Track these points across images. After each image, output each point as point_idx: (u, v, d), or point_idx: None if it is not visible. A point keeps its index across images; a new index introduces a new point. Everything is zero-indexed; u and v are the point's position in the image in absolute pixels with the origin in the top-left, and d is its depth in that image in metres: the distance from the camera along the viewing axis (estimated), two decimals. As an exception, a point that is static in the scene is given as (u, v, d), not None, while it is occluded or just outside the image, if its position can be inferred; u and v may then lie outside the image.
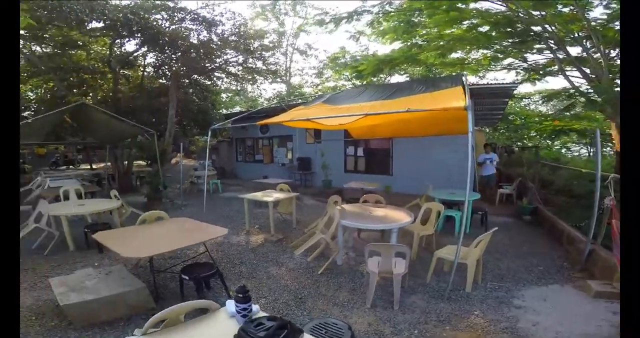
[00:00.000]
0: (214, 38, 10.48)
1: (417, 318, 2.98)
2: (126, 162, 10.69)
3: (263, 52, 11.86)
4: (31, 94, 12.07)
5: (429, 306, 3.21)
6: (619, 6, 5.34)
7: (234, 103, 25.55)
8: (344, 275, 3.92)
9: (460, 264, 3.45)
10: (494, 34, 6.57)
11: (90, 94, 11.31)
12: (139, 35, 9.00)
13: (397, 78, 18.01)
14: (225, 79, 13.84)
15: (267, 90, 24.16)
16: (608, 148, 9.66)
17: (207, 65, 11.00)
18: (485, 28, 6.59)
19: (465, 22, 6.69)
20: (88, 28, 9.27)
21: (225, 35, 10.60)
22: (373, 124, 5.52)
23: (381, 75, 15.87)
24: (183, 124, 13.46)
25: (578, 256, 4.08)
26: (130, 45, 11.31)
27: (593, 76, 6.07)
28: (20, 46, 9.76)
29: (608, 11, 5.56)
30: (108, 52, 10.68)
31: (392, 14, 7.54)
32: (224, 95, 22.14)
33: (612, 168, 6.17)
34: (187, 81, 11.80)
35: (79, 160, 19.74)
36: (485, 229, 4.28)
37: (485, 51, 7.68)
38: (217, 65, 11.60)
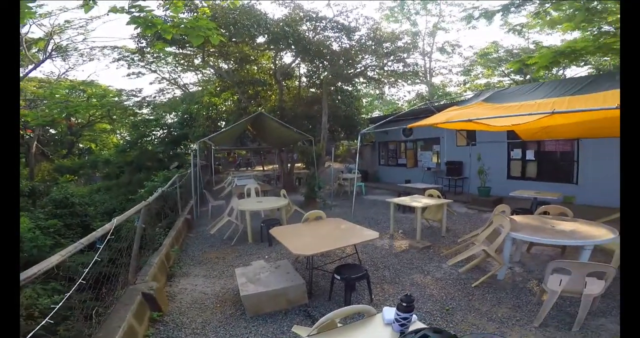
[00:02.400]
0: (353, 44, 10.88)
1: (606, 343, 2.45)
2: (289, 165, 12.50)
3: (401, 54, 11.67)
4: (223, 107, 14.92)
5: (625, 331, 2.50)
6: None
7: (373, 107, 26.12)
8: (505, 291, 3.54)
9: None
10: None
11: (262, 105, 13.17)
12: (293, 47, 10.11)
13: (573, 71, 14.43)
14: (365, 84, 14.24)
15: (410, 93, 23.65)
16: None
17: (349, 71, 11.57)
18: None
19: None
20: (257, 43, 10.85)
21: (362, 41, 10.88)
22: (555, 124, 4.52)
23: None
24: (332, 129, 14.63)
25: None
26: (287, 58, 12.78)
27: None
28: (211, 63, 12.54)
29: None
30: (272, 65, 12.60)
31: (564, 1, 6.19)
32: (363, 100, 22.93)
33: None
34: (333, 88, 12.57)
35: (255, 163, 24.56)
36: None
37: None
38: (358, 70, 12.01)
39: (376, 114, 24.18)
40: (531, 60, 7.59)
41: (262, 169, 19.65)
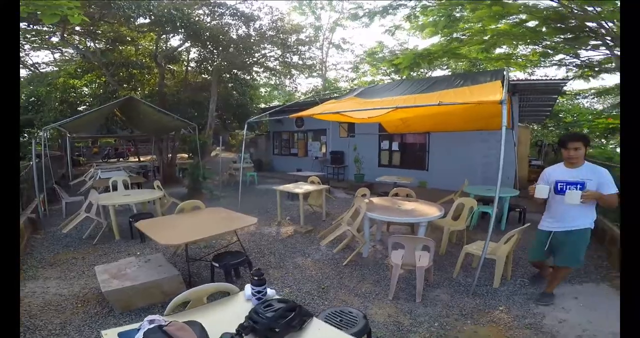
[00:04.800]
0: (252, 33, 10.63)
1: (439, 312, 2.97)
2: (170, 155, 11.37)
3: (299, 47, 11.92)
4: (86, 89, 12.74)
5: (453, 300, 3.18)
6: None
7: (273, 97, 26.06)
8: (368, 268, 3.95)
9: (491, 260, 3.38)
10: (543, 29, 6.14)
11: (139, 89, 11.84)
12: (182, 30, 9.24)
13: (438, 73, 17.44)
14: (263, 74, 14.09)
15: (302, 84, 24.56)
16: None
17: (246, 60, 11.23)
18: (533, 23, 6.18)
19: (511, 17, 6.30)
20: (136, 24, 9.60)
21: (263, 30, 10.73)
22: (406, 116, 5.38)
23: (421, 70, 15.41)
24: (223, 117, 13.87)
25: (619, 256, 3.78)
26: (175, 41, 11.65)
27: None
28: (76, 42, 10.54)
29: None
30: (154, 47, 11.24)
31: (431, 8, 7.29)
32: (262, 90, 22.62)
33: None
34: (227, 76, 12.06)
35: (128, 153, 21.33)
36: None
37: (534, 47, 7.17)
38: (255, 59, 11.81)
39: (275, 103, 24.19)
40: (397, 60, 8.81)
41: (137, 159, 17.32)
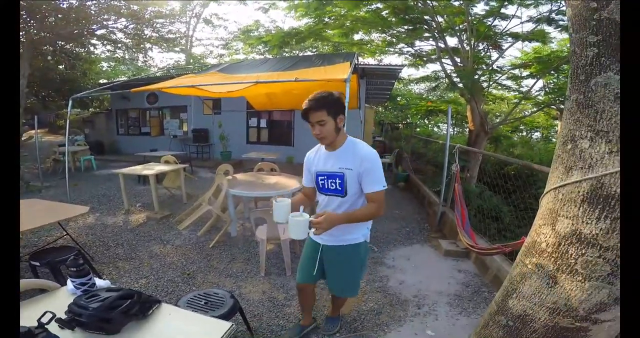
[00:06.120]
0: (90, 2, 8.94)
1: (307, 283, 3.14)
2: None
3: (158, 20, 10.55)
4: None
5: (317, 269, 3.41)
6: (497, 4, 6.05)
7: (119, 72, 21.93)
8: (238, 247, 3.86)
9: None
10: (393, 19, 6.93)
11: None
12: None
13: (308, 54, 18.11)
14: (105, 47, 12.00)
15: (155, 59, 21.41)
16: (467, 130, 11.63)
17: (76, 30, 9.09)
18: (385, 12, 6.93)
19: (372, 6, 6.92)
20: None
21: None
22: (272, 92, 5.41)
23: (294, 51, 15.65)
24: (42, 95, 11.32)
25: (434, 218, 4.55)
26: None
27: (461, 65, 7.02)
28: None
29: (487, 8, 6.37)
30: None
31: None
32: (104, 64, 19.24)
33: (464, 142, 7.59)
34: (50, 48, 9.94)
35: None
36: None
37: (384, 35, 8.14)
38: (91, 30, 9.84)
39: (123, 79, 20.40)
40: (267, 37, 8.67)
41: None
